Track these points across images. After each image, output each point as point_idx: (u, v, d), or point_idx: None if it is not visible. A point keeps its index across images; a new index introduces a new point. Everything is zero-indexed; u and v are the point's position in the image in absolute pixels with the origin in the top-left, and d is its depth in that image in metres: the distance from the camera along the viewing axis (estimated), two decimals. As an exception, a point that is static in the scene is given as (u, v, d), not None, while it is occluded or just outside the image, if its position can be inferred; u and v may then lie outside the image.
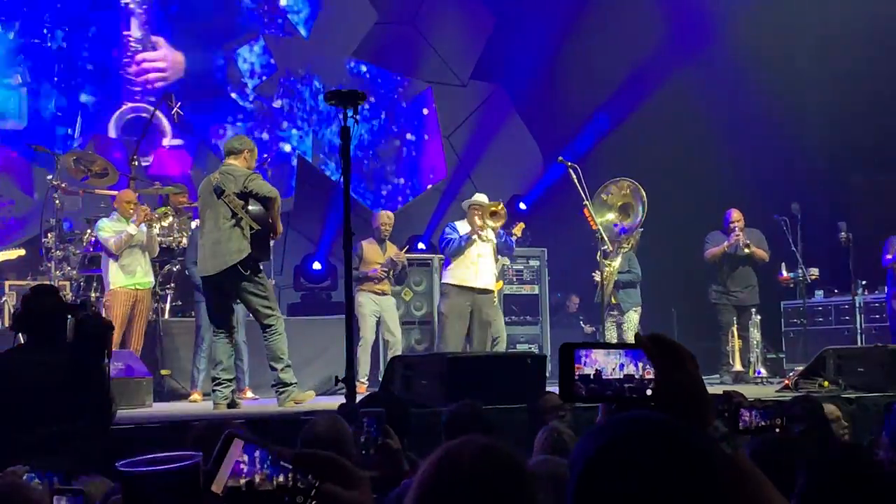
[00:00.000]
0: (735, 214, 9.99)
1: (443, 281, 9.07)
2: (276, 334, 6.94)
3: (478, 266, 8.74)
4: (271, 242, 7.32)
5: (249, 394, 8.32)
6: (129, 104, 12.27)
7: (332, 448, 3.08)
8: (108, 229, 8.25)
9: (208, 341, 7.84)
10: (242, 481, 1.24)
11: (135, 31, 12.53)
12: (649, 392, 1.46)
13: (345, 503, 1.34)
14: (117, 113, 12.20)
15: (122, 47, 12.39)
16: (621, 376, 1.46)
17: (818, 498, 1.65)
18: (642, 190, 9.63)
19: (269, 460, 1.26)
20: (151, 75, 12.53)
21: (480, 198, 9.01)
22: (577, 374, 1.45)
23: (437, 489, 1.43)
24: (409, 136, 14.28)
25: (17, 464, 2.76)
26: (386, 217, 9.63)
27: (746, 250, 9.85)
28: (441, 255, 9.38)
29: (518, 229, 9.55)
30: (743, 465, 1.46)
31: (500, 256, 9.82)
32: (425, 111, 14.35)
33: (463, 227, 8.86)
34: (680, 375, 1.46)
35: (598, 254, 9.30)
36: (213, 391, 7.05)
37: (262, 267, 7.08)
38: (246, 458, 1.25)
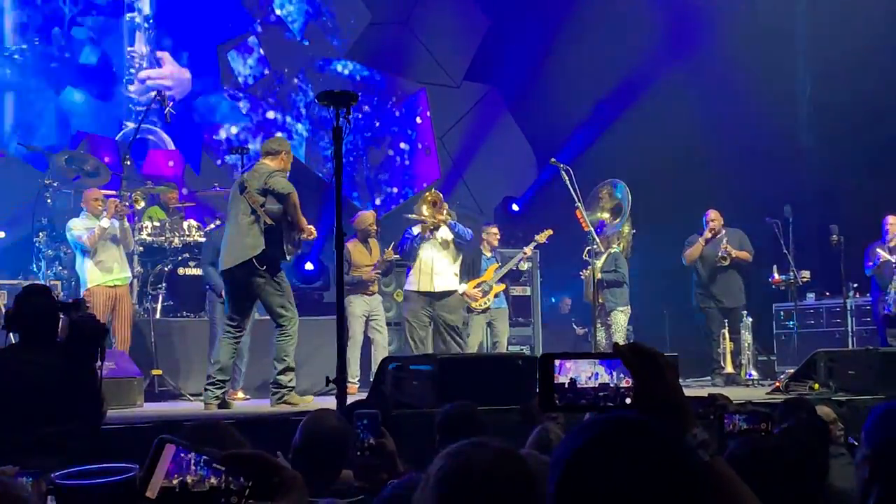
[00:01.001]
0: (711, 214, 10.02)
1: (405, 288, 9.18)
2: (284, 335, 6.97)
3: (432, 268, 8.79)
4: (288, 240, 7.02)
5: (241, 394, 8.31)
6: (130, 124, 11.75)
7: (336, 444, 3.10)
8: (79, 226, 8.22)
9: None
10: (175, 482, 1.26)
11: (139, 47, 12.15)
12: (628, 401, 1.48)
13: None
14: (118, 137, 11.81)
15: (124, 63, 11.96)
16: (596, 385, 1.48)
17: None
18: (623, 187, 9.65)
19: (201, 463, 1.28)
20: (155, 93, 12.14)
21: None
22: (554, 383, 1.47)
23: (454, 492, 1.45)
24: (402, 145, 14.29)
25: (8, 464, 2.76)
26: (371, 217, 9.70)
27: (725, 262, 9.84)
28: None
29: (543, 236, 9.60)
30: (720, 470, 1.48)
31: (497, 260, 9.82)
32: (419, 119, 14.36)
33: (419, 230, 8.95)
34: (659, 385, 1.48)
35: (585, 252, 9.32)
36: (205, 390, 7.04)
37: (281, 266, 7.06)
38: (179, 461, 1.27)
